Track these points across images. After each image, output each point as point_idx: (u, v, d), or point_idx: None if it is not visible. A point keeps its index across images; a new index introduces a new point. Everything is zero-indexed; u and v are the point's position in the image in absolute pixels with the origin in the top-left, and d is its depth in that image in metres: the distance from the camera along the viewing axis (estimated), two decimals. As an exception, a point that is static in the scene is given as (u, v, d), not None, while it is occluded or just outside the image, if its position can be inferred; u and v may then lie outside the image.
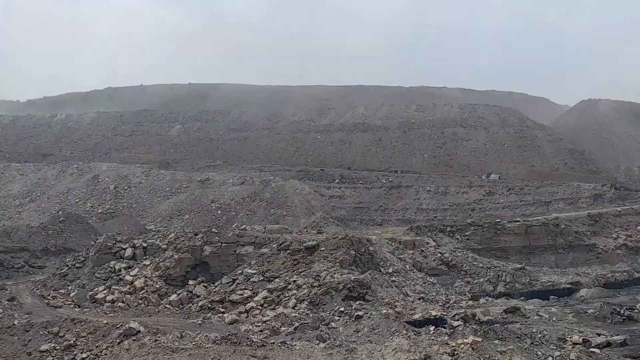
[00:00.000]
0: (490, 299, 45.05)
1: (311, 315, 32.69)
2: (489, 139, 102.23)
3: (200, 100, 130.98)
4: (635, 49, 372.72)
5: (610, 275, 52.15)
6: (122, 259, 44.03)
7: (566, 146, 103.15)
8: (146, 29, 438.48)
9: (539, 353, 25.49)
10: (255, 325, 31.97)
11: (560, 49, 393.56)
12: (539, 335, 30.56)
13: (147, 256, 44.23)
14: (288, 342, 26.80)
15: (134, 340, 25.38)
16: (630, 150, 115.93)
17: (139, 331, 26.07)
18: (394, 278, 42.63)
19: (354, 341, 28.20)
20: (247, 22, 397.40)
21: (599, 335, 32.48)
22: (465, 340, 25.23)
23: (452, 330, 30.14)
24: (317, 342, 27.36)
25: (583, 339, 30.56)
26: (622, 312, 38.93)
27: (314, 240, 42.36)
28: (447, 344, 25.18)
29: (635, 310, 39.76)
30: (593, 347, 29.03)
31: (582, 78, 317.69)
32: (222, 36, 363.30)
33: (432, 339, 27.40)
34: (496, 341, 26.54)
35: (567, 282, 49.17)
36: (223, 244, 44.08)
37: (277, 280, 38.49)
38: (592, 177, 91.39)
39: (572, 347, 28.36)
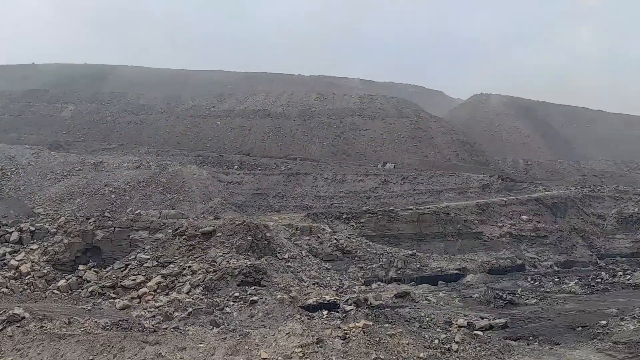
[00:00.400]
0: (382, 284, 46.38)
1: (205, 300, 32.59)
2: (386, 129, 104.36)
3: (96, 81, 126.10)
4: (523, 48, 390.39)
5: (494, 261, 54.88)
6: (7, 243, 42.10)
7: (458, 138, 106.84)
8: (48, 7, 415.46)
9: (427, 336, 26.42)
10: (148, 311, 31.51)
11: (457, 44, 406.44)
12: (427, 319, 31.80)
13: (35, 240, 42.58)
14: (181, 328, 26.59)
15: (17, 327, 24.36)
16: (517, 144, 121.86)
17: (24, 317, 25.04)
18: (289, 264, 43.03)
19: (247, 326, 28.34)
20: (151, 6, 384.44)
21: (482, 318, 34.17)
22: (357, 324, 25.84)
23: (344, 315, 30.82)
24: (211, 327, 27.32)
25: (468, 322, 32.08)
26: (504, 296, 41.15)
27: (210, 225, 42.12)
28: (339, 327, 25.71)
29: (516, 295, 42.13)
30: (477, 330, 30.49)
31: (476, 73, 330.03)
32: (123, 19, 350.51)
33: (325, 323, 27.94)
34: (386, 325, 27.32)
35: (455, 268, 51.33)
36: (116, 229, 43.03)
37: (171, 265, 38.02)
38: (481, 168, 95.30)
39: (458, 330, 29.63)
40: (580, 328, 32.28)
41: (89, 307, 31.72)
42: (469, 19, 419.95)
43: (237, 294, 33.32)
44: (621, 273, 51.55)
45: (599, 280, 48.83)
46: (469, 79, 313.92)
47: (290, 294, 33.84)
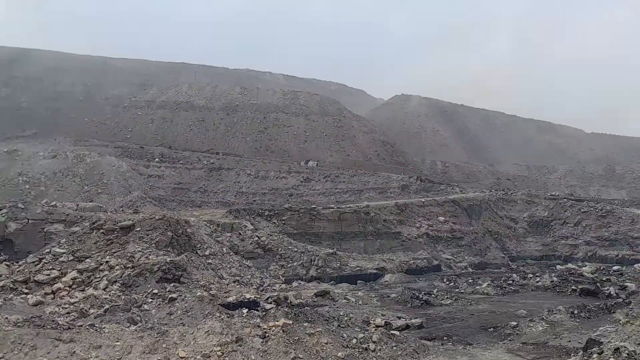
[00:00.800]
0: (302, 282, 46.70)
1: (123, 297, 31.92)
2: (309, 126, 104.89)
3: (9, 65, 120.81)
4: (445, 51, 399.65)
5: (412, 262, 56.09)
6: None
7: (379, 138, 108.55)
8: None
9: (345, 335, 26.77)
10: (62, 307, 30.56)
11: (380, 45, 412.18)
12: (346, 318, 32.25)
13: (-59, 232, 40.68)
14: (97, 325, 25.94)
15: None
16: (435, 145, 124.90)
17: None
18: (210, 260, 42.63)
19: (166, 324, 27.91)
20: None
21: (399, 318, 34.94)
22: (276, 322, 25.93)
23: (264, 313, 30.85)
24: (128, 324, 26.77)
25: (385, 322, 32.73)
26: (420, 296, 42.18)
27: (129, 220, 41.15)
28: (259, 326, 25.72)
29: (432, 296, 43.25)
30: (393, 330, 31.16)
31: (398, 74, 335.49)
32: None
33: (245, 322, 27.85)
34: (306, 324, 27.53)
35: (374, 267, 52.17)
36: (30, 221, 41.63)
37: (88, 260, 36.94)
38: (400, 168, 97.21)
39: (375, 329, 30.15)
40: (492, 329, 33.49)
41: (0, 303, 30.54)
42: (392, 19, 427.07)
43: (155, 291, 32.75)
44: (531, 275, 53.67)
45: (511, 282, 50.68)
46: (392, 79, 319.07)
47: (210, 292, 33.56)
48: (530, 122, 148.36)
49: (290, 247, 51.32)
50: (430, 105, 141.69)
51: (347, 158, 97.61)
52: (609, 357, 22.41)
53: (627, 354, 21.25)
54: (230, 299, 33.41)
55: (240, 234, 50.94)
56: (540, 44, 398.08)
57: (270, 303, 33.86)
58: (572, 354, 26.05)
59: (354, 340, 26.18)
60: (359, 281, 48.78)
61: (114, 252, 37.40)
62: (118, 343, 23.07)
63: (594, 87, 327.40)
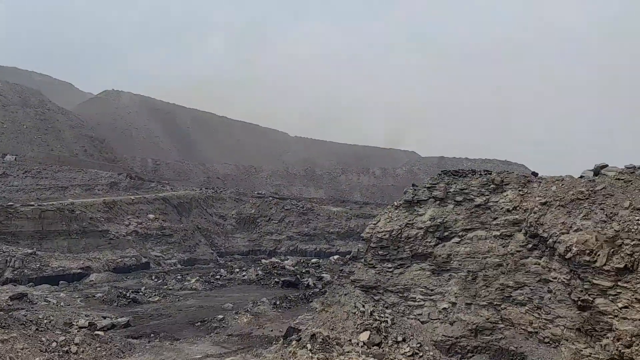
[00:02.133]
0: (-5, 285, 42.68)
1: None
2: (8, 117, 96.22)
3: None
4: (163, 50, 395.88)
5: (120, 260, 54.64)
6: None
7: (87, 133, 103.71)
8: None
9: (44, 339, 25.17)
10: None
11: (96, 37, 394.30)
12: (46, 321, 30.26)
13: None
14: None
15: None
16: (147, 143, 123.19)
17: None
18: None
19: None
20: None
21: (104, 318, 33.82)
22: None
23: (-52, 321, 27.61)
24: None
25: (89, 322, 31.44)
26: (128, 295, 41.29)
27: None
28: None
29: (140, 293, 42.60)
30: (98, 330, 30.04)
31: (111, 69, 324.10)
32: None
33: None
34: (-1, 330, 25.33)
35: (79, 267, 49.77)
36: None
37: None
38: (110, 165, 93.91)
39: (78, 331, 28.82)
40: (199, 323, 34.04)
41: None
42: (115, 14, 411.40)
43: None
44: (238, 270, 55.69)
45: (218, 277, 52.02)
46: (101, 74, 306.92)
47: None
48: (241, 124, 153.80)
49: (-19, 248, 46.60)
50: (142, 102, 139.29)
51: (50, 153, 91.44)
52: (306, 343, 24.16)
53: (322, 339, 23.08)
54: None
55: None
56: (254, 50, 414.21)
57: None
58: (274, 342, 27.60)
59: (54, 344, 24.84)
60: (61, 282, 46.07)
61: None
62: None
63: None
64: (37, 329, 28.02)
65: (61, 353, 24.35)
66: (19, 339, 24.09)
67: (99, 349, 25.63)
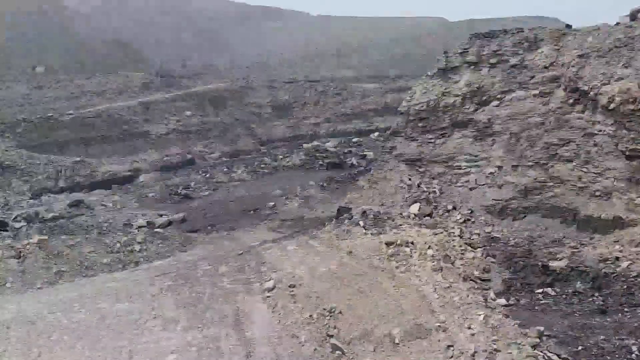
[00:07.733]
0: (52, 195, 43.79)
1: None
2: (29, 27, 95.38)
3: None
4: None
5: (165, 158, 55.44)
6: None
7: (111, 36, 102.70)
8: None
9: (107, 241, 26.03)
10: None
11: None
12: (105, 224, 31.26)
13: None
14: None
15: None
16: (168, 40, 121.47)
17: None
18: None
19: None
20: None
21: (161, 216, 34.77)
22: (30, 240, 24.34)
23: (15, 233, 28.75)
24: None
25: (147, 222, 32.37)
26: (179, 191, 42.23)
27: None
28: (11, 247, 23.93)
29: (191, 189, 43.48)
30: (157, 228, 30.97)
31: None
32: None
33: (-5, 245, 25.76)
34: (63, 236, 26.25)
35: (127, 169, 50.72)
36: None
37: None
38: (138, 66, 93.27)
39: (138, 231, 29.74)
40: (252, 212, 34.84)
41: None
42: None
43: None
44: (281, 156, 56.12)
45: (263, 165, 52.51)
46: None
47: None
48: (258, 9, 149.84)
49: (30, 160, 47.36)
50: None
51: (78, 59, 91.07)
52: (358, 221, 24.52)
53: (373, 215, 23.39)
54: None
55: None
56: None
57: (20, 221, 31.52)
58: (327, 223, 28.16)
59: (118, 245, 25.67)
60: (113, 185, 47.07)
61: None
62: None
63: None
64: (99, 233, 29.01)
65: (126, 252, 25.17)
66: (84, 243, 24.96)
67: (160, 245, 26.44)
